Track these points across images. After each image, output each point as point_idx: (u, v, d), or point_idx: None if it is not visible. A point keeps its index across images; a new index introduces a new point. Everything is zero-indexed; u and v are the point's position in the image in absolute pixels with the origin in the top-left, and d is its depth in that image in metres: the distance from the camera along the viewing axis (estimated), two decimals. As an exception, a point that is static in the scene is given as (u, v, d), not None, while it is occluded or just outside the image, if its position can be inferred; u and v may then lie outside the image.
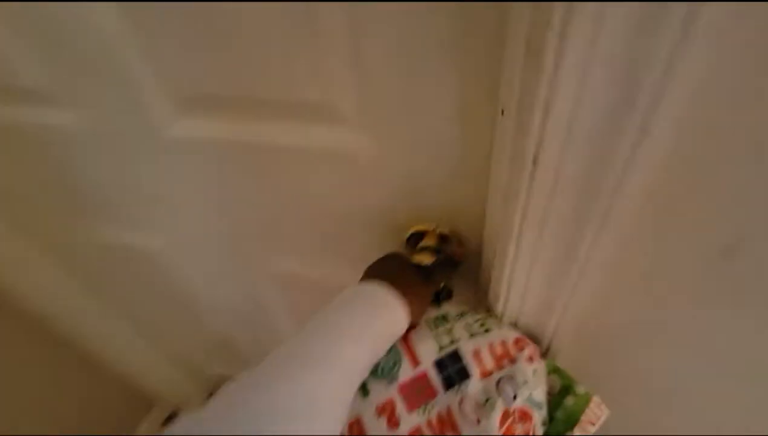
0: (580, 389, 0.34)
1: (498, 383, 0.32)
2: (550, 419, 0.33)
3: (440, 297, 0.42)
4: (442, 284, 0.42)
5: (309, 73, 0.36)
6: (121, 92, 0.44)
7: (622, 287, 0.32)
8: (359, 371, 0.29)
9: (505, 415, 0.31)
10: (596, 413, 0.33)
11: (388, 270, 0.36)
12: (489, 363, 0.33)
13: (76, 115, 0.49)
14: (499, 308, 0.37)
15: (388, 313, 0.32)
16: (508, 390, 0.31)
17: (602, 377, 0.36)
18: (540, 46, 0.20)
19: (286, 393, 0.24)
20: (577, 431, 0.32)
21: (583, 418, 0.32)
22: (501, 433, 0.30)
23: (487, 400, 0.31)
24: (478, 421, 0.31)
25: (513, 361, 0.33)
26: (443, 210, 0.43)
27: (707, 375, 0.36)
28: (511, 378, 0.32)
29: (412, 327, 0.35)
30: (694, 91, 0.20)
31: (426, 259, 0.39)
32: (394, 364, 0.35)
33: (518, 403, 0.31)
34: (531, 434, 0.31)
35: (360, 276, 0.37)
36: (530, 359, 0.34)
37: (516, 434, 0.30)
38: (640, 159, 0.22)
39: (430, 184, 0.41)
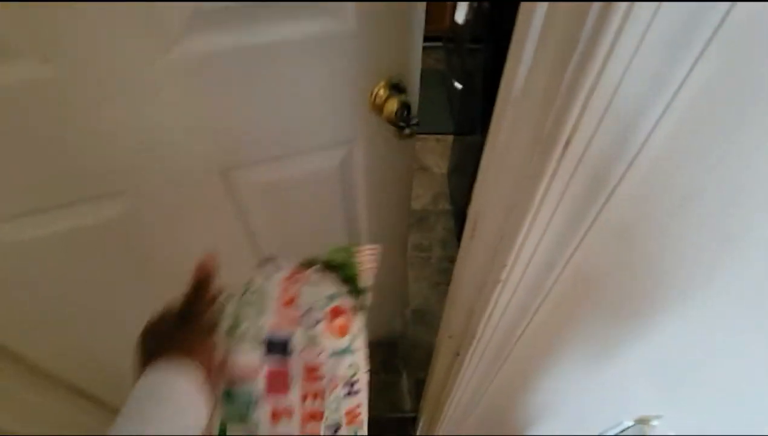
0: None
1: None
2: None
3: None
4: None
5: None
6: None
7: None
8: None
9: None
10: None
11: (168, 339, 0.34)
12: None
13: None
14: (503, 274, 0.41)
15: (188, 410, 0.31)
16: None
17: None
18: (588, 53, 0.23)
19: None
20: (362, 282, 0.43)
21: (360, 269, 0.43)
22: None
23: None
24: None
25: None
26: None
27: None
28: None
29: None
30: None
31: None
32: (248, 406, 0.37)
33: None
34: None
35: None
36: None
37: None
38: (652, 140, 0.27)
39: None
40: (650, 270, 0.41)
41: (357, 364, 0.40)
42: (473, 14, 1.44)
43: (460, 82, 1.66)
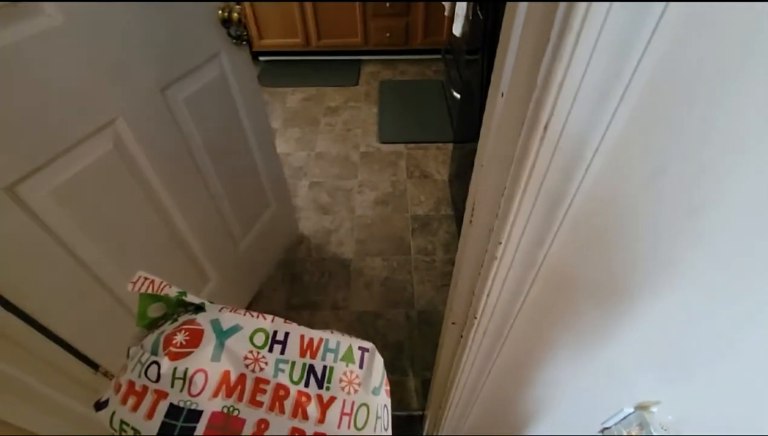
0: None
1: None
2: None
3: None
4: None
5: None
6: None
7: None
8: None
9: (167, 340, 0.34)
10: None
11: None
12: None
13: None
14: (499, 251, 0.46)
15: None
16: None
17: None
18: (558, 46, 0.29)
19: None
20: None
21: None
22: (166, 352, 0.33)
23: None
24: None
25: None
26: None
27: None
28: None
29: None
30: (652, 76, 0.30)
31: None
32: None
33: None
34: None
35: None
36: None
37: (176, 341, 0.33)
38: (618, 116, 0.32)
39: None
40: (628, 247, 0.46)
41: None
42: (469, 27, 1.51)
43: (458, 92, 1.73)
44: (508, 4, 0.37)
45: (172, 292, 0.37)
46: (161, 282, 0.37)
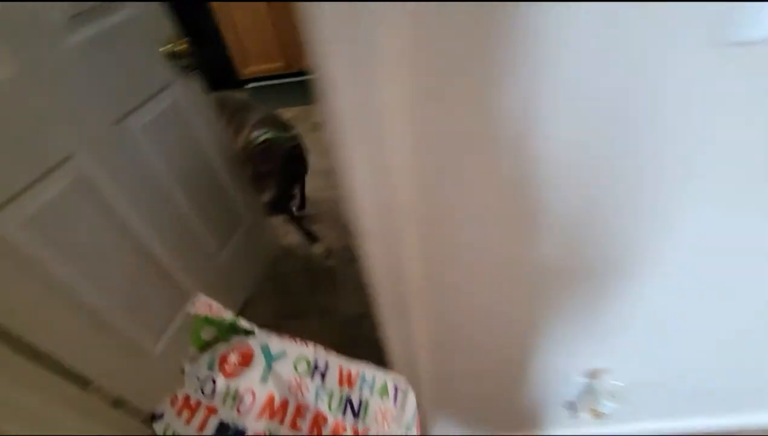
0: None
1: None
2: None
3: None
4: None
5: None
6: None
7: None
8: None
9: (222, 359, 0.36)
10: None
11: None
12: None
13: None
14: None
15: None
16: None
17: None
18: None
19: None
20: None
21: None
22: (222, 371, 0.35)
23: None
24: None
25: None
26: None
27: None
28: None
29: None
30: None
31: None
32: None
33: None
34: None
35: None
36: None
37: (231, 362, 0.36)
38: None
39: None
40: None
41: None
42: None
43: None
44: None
45: (228, 315, 0.40)
46: (218, 306, 0.40)
